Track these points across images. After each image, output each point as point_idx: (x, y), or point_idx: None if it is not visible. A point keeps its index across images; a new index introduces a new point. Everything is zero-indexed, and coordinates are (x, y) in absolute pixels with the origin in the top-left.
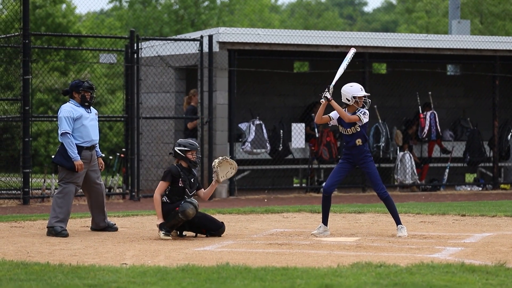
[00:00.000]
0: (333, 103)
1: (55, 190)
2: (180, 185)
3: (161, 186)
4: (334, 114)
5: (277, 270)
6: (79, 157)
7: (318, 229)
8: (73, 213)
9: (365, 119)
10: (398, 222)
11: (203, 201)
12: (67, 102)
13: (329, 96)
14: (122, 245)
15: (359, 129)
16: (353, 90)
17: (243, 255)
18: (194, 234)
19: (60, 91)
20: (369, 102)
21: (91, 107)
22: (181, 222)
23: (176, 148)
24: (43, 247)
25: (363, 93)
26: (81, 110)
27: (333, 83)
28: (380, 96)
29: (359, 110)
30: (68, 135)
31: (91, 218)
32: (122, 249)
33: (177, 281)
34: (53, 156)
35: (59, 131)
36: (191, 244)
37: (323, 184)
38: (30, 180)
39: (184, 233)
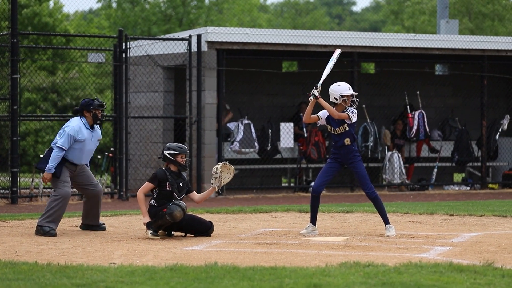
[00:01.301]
0: (321, 101)
1: (43, 190)
2: (167, 188)
3: (146, 186)
4: (322, 114)
5: (265, 270)
6: (53, 171)
7: (307, 229)
8: (65, 212)
9: (354, 118)
10: (386, 221)
11: (196, 204)
12: (78, 118)
13: (317, 94)
14: (110, 245)
15: (347, 129)
16: (341, 89)
17: (232, 254)
18: (183, 234)
19: (48, 90)
20: (357, 101)
21: (98, 129)
22: (168, 223)
23: (165, 152)
24: (31, 247)
25: (351, 92)
26: (86, 134)
27: (320, 82)
28: (368, 95)
29: (347, 109)
30: (62, 151)
31: (81, 217)
32: (110, 248)
33: (165, 280)
34: (41, 156)
35: (57, 140)
36: (179, 244)
37: (312, 184)
38: (18, 179)
39: (172, 232)
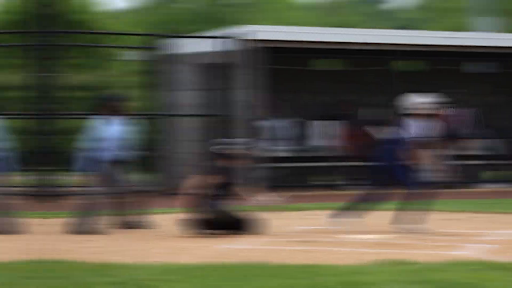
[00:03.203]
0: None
1: (80, 189)
2: (217, 185)
3: (197, 182)
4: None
5: (297, 268)
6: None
7: (345, 223)
8: (100, 211)
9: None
10: (420, 220)
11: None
12: (106, 116)
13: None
14: (146, 243)
15: None
16: (415, 104)
17: (265, 252)
18: (225, 231)
19: (85, 89)
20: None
21: (126, 124)
22: (212, 221)
23: (217, 149)
24: (67, 245)
25: (425, 105)
26: (112, 129)
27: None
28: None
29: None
30: (98, 151)
31: (115, 216)
32: (147, 246)
33: (200, 278)
34: (80, 155)
35: (93, 140)
36: (215, 242)
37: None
38: (58, 177)
39: (216, 230)
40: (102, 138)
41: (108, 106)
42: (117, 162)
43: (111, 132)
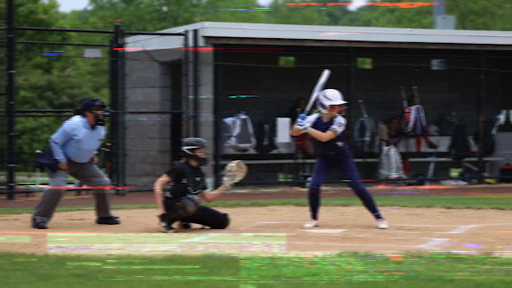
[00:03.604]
0: (311, 131)
1: (40, 186)
2: (183, 182)
3: (163, 179)
4: (308, 124)
5: (263, 260)
6: (64, 160)
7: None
8: (62, 206)
9: (340, 130)
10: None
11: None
12: (78, 117)
13: (308, 127)
14: (108, 237)
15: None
16: (330, 97)
17: (229, 246)
18: (200, 226)
19: (44, 88)
20: (345, 109)
21: (100, 129)
22: (182, 217)
23: (184, 148)
24: (28, 239)
25: (339, 102)
26: (83, 133)
27: (307, 110)
28: (365, 91)
29: (336, 117)
30: (58, 145)
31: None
32: (109, 240)
33: (163, 270)
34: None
35: (54, 135)
36: (178, 236)
37: (309, 179)
38: (15, 175)
39: (189, 224)
40: (74, 139)
41: (90, 112)
42: (83, 162)
43: (83, 133)
